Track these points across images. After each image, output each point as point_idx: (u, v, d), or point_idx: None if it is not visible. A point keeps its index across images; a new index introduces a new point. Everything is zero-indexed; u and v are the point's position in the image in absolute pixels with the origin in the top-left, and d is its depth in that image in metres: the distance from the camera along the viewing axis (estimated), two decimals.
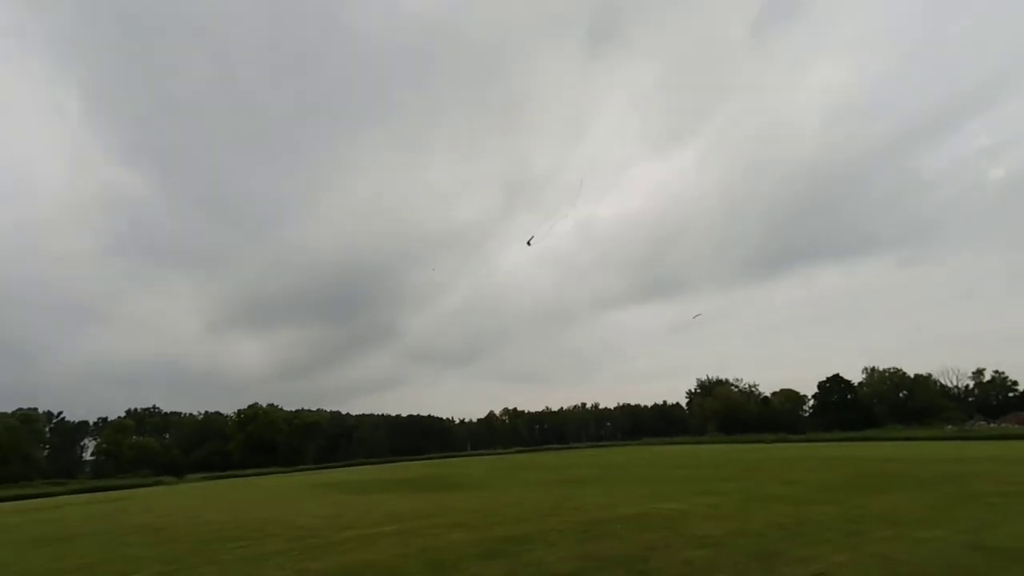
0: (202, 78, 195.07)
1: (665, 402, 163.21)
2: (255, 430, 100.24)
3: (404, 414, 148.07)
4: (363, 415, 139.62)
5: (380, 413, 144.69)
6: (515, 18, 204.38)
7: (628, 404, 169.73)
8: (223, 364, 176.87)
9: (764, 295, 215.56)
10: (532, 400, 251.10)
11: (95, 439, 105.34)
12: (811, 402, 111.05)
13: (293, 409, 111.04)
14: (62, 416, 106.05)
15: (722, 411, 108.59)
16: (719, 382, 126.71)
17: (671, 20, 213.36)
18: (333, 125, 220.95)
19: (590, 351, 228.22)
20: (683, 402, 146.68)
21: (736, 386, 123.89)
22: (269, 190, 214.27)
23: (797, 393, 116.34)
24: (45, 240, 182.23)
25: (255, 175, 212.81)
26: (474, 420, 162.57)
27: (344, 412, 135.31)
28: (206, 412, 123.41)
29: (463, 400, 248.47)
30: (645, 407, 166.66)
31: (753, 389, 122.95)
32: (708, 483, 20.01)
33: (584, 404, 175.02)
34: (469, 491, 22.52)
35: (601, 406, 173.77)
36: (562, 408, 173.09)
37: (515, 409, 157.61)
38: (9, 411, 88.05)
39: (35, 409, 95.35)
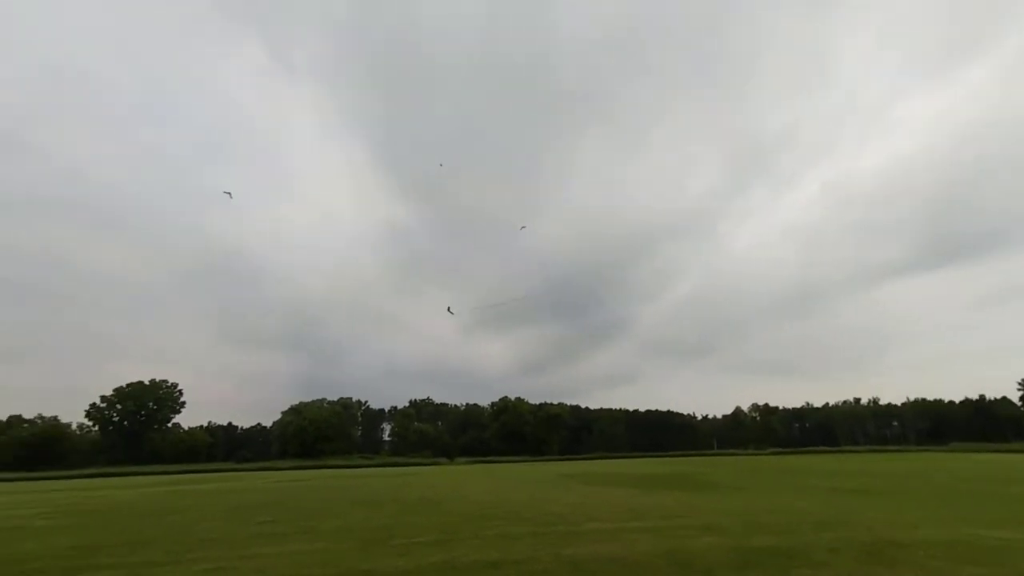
0: (442, 117, 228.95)
1: (983, 396, 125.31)
2: (507, 420, 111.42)
3: (642, 409, 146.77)
4: (601, 409, 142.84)
5: (618, 408, 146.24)
6: None
7: (924, 399, 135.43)
8: (476, 361, 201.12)
9: None
10: (787, 394, 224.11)
11: (390, 423, 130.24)
12: None
13: (537, 402, 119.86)
14: (367, 404, 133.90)
15: None
16: None
17: None
18: (552, 135, 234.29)
19: (861, 335, 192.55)
20: (1015, 395, 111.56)
21: None
22: (502, 206, 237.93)
23: None
24: (350, 265, 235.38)
25: (489, 195, 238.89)
26: (718, 416, 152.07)
27: (583, 406, 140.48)
28: (466, 404, 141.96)
29: (704, 394, 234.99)
30: (951, 403, 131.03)
31: None
32: None
33: (858, 399, 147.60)
34: (720, 492, 20.98)
35: (883, 401, 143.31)
36: (828, 404, 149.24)
37: (767, 404, 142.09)
38: (334, 399, 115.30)
39: (350, 398, 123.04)
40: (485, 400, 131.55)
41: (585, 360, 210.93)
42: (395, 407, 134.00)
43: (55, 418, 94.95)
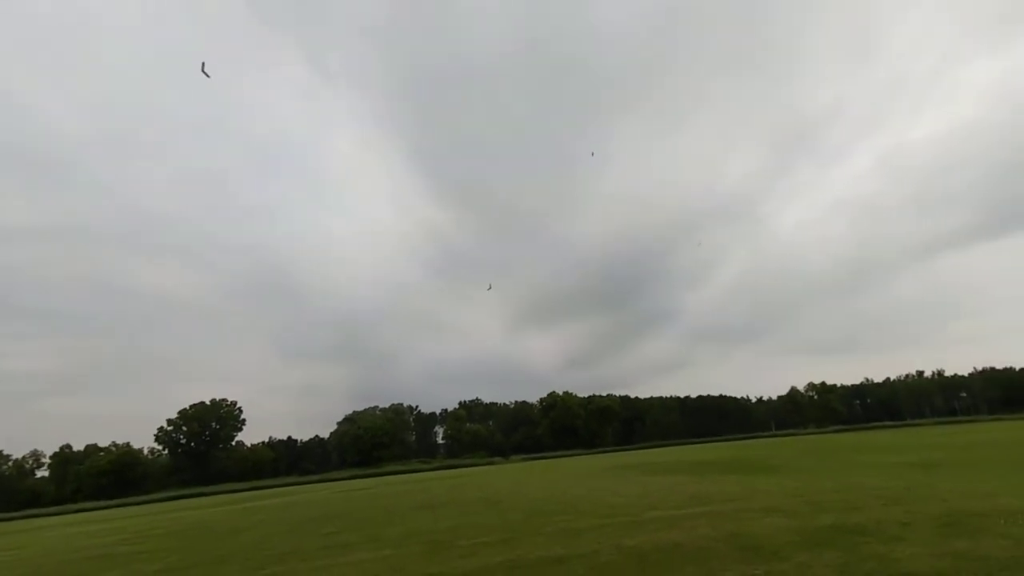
0: (478, 114, 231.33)
1: None
2: (557, 416, 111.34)
3: (694, 395, 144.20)
4: (653, 398, 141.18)
5: (670, 395, 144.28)
6: None
7: (993, 368, 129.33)
8: (523, 358, 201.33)
9: None
10: (846, 372, 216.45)
11: (442, 426, 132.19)
12: None
13: (586, 395, 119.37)
14: (419, 408, 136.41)
15: None
16: None
17: None
18: (590, 124, 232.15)
19: (922, 308, 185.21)
20: None
21: None
22: (537, 200, 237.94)
23: None
24: (391, 271, 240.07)
25: (525, 189, 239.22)
26: (775, 398, 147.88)
27: (633, 396, 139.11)
28: (516, 401, 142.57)
29: (758, 377, 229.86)
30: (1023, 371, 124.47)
31: None
32: None
33: (921, 372, 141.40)
34: (781, 474, 20.49)
35: (948, 373, 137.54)
36: (889, 379, 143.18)
37: (824, 383, 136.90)
38: (386, 405, 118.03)
39: (401, 404, 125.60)
40: (534, 397, 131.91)
41: (633, 350, 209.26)
42: (445, 410, 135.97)
43: (128, 444, 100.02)
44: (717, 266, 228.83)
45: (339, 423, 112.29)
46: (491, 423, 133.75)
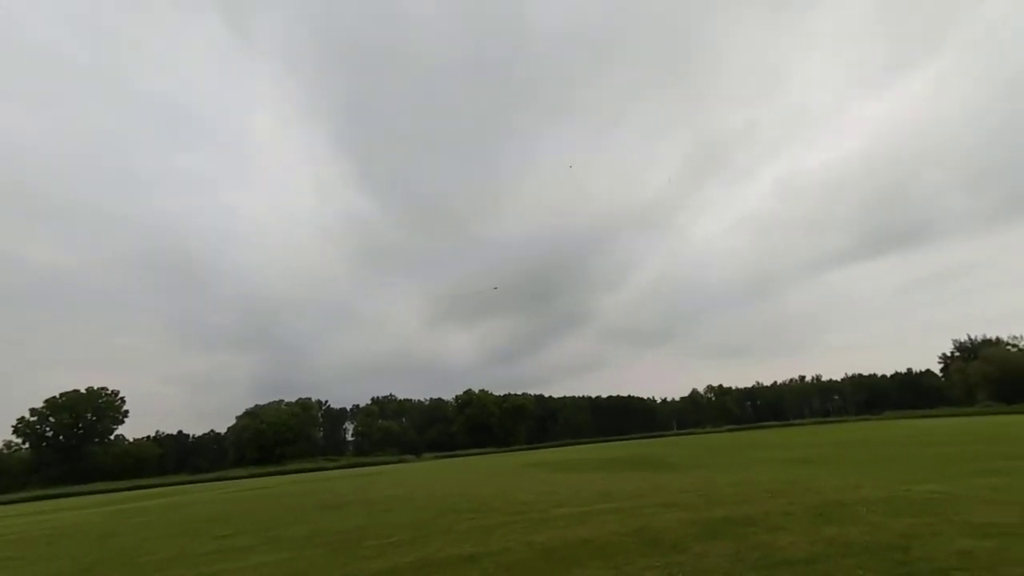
0: (410, 106, 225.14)
1: (910, 370, 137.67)
2: (472, 413, 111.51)
3: (605, 395, 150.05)
4: (566, 397, 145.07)
5: (582, 395, 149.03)
6: None
7: (860, 374, 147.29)
8: (440, 355, 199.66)
9: None
10: (740, 376, 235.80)
11: (353, 423, 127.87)
12: None
13: (502, 393, 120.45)
14: (328, 404, 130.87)
15: (997, 376, 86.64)
16: (987, 342, 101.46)
17: None
18: (518, 127, 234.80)
19: (806, 319, 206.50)
20: (936, 368, 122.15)
21: (1016, 345, 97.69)
22: (465, 196, 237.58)
23: None
24: (306, 258, 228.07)
25: (453, 184, 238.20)
26: (677, 399, 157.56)
27: (548, 395, 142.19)
28: (431, 398, 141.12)
29: (663, 379, 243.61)
30: (883, 377, 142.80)
31: None
32: (984, 461, 16.15)
33: (803, 377, 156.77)
34: (681, 471, 21.75)
35: (825, 378, 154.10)
36: (776, 382, 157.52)
37: (721, 385, 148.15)
38: (292, 400, 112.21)
39: (309, 398, 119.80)
40: (450, 394, 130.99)
41: (549, 349, 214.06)
42: (357, 405, 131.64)
43: None
44: (633, 271, 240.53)
45: (239, 417, 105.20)
46: (404, 420, 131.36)
